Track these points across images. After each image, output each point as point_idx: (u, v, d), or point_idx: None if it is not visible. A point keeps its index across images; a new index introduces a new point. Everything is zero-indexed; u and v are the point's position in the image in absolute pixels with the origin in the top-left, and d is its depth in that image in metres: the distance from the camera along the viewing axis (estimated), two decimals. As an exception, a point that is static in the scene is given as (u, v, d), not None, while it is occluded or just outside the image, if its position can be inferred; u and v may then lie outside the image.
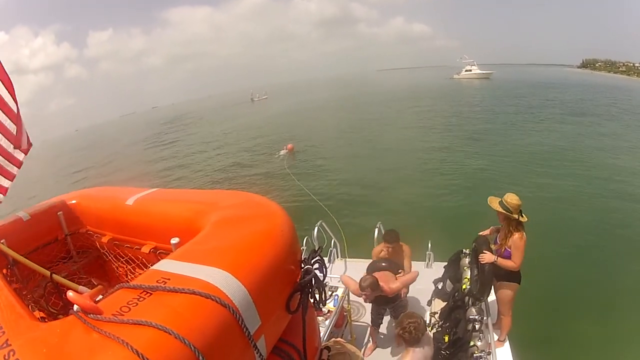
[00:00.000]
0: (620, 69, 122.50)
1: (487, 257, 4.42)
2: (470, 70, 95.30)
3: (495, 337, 4.54)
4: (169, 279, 1.44)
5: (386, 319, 5.46)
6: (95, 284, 2.92)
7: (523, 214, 4.25)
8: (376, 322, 5.24)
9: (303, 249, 5.41)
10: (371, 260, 5.61)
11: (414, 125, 30.88)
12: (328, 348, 2.35)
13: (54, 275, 2.26)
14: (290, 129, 37.17)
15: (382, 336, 5.50)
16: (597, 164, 17.17)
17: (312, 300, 2.02)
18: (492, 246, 4.55)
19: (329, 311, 4.73)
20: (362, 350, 5.28)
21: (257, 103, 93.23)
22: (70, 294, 1.36)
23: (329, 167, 20.49)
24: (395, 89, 78.73)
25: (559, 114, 32.25)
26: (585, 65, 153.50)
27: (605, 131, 24.44)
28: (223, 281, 1.45)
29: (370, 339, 5.49)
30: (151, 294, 1.39)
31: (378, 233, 6.39)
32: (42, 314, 2.59)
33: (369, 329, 5.58)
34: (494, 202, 4.37)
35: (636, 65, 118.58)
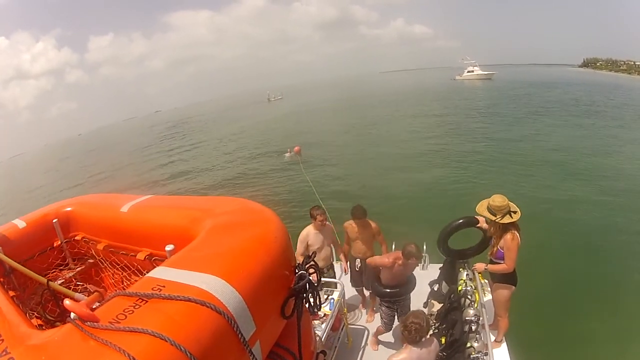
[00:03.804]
0: (621, 67, 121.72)
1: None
2: (473, 71, 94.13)
3: (492, 338, 4.54)
4: (164, 286, 1.46)
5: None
6: (92, 290, 2.92)
7: (512, 214, 4.16)
8: (389, 325, 5.12)
9: None
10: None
11: (416, 128, 30.41)
12: (324, 352, 2.37)
13: (51, 283, 2.27)
14: (305, 129, 37.09)
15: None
16: (600, 163, 17.09)
17: (307, 305, 2.04)
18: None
19: (325, 315, 4.72)
20: (361, 351, 5.26)
21: (273, 103, 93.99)
22: (67, 302, 1.37)
23: (331, 170, 20.06)
24: (400, 90, 77.30)
25: (561, 113, 31.93)
26: (586, 64, 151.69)
27: (608, 130, 24.13)
28: (218, 288, 1.47)
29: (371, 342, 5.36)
30: (147, 301, 1.41)
31: None
32: (39, 322, 2.59)
33: (366, 332, 5.54)
34: (480, 207, 4.35)
35: (637, 63, 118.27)
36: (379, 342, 5.29)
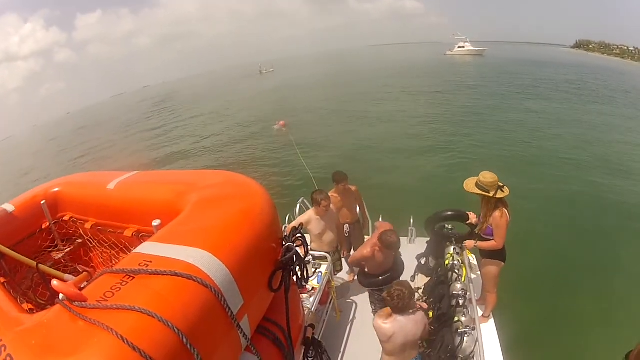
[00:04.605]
0: (614, 51, 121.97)
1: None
2: (464, 47, 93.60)
3: (480, 313, 4.59)
4: (150, 262, 1.45)
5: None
6: (81, 271, 2.91)
7: (502, 189, 4.15)
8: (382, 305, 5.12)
9: (285, 227, 5.36)
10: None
11: (405, 103, 30.06)
12: (312, 326, 2.39)
13: (40, 265, 2.25)
14: (295, 103, 37.10)
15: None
16: (592, 144, 17.15)
17: (294, 278, 2.05)
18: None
19: (313, 288, 4.73)
20: (349, 325, 5.34)
21: (265, 75, 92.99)
22: (54, 282, 1.37)
23: (318, 143, 19.96)
24: (390, 66, 75.55)
25: (551, 92, 32.12)
26: (579, 45, 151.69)
27: (600, 112, 24.24)
28: (204, 261, 1.46)
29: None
30: (134, 277, 1.40)
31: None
32: (30, 306, 2.58)
33: (354, 305, 5.63)
34: (469, 185, 4.29)
35: (630, 48, 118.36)
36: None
